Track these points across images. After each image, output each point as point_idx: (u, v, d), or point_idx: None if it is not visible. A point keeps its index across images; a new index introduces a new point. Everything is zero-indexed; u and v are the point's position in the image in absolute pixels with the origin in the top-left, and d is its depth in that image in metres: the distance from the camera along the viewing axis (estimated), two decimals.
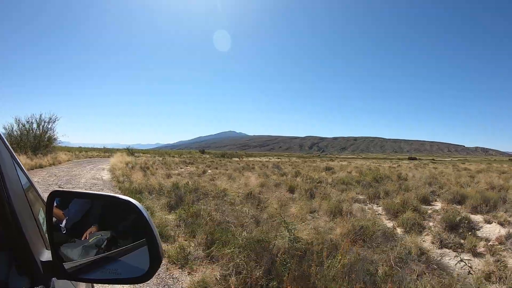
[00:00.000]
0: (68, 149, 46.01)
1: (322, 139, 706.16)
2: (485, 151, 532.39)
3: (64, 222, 1.11)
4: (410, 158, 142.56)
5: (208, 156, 56.69)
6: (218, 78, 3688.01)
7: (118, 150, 49.84)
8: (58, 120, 27.42)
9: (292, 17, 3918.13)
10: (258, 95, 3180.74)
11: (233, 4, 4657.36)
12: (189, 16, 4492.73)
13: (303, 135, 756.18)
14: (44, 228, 1.15)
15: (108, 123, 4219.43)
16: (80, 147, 52.13)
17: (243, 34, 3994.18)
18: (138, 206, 1.04)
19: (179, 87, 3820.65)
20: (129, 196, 1.16)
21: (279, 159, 57.54)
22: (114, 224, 1.14)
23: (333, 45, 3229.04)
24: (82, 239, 1.07)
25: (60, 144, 30.83)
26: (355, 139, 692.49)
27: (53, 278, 1.05)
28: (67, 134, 30.83)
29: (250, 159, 55.30)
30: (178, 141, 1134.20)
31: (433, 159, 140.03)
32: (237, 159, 52.55)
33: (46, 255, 1.05)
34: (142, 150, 56.31)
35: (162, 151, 61.65)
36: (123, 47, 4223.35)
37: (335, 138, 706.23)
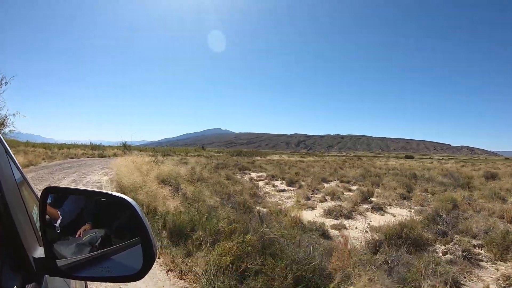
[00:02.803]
0: (44, 146, 34.71)
1: (308, 136, 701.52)
2: (471, 150, 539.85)
3: (58, 221, 1.08)
4: (407, 157, 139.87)
5: (221, 154, 47.29)
6: (203, 76, 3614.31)
7: (109, 147, 39.14)
8: (7, 84, 15.09)
9: (277, 14, 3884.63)
10: (243, 93, 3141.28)
11: (220, 2, 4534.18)
12: (174, 13, 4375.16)
13: (289, 133, 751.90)
14: (38, 224, 1.13)
15: (92, 120, 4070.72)
16: (64, 143, 38.91)
17: (230, 32, 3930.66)
18: (133, 204, 1.01)
19: (162, 85, 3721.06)
20: None
21: (303, 158, 48.39)
22: (108, 222, 1.13)
23: (318, 44, 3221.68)
24: (76, 236, 1.06)
25: (17, 138, 19.27)
26: (342, 137, 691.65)
27: (46, 275, 1.03)
28: (22, 113, 17.59)
29: (274, 158, 45.70)
30: (164, 138, 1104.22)
31: (430, 158, 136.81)
32: (258, 157, 42.98)
33: (39, 252, 1.04)
34: (135, 147, 45.46)
35: (166, 148, 50.80)
36: (106, 45, 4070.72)
37: (321, 136, 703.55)
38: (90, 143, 36.83)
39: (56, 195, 1.12)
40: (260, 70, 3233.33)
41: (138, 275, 1.02)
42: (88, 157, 29.79)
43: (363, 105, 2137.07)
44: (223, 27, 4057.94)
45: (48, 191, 1.08)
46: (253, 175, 18.20)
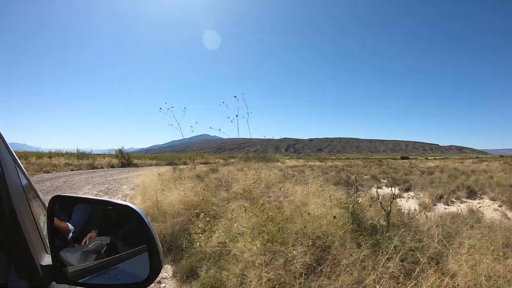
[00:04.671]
0: (21, 155, 27.20)
1: (297, 140, 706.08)
2: (460, 149, 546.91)
3: (70, 234, 1.10)
4: (403, 158, 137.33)
5: (232, 160, 40.85)
6: (190, 82, 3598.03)
7: (99, 155, 31.95)
8: None
9: (264, 18, 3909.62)
10: (230, 98, 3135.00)
11: (208, 4, 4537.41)
12: (162, 14, 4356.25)
13: (278, 137, 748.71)
14: (45, 232, 1.13)
15: (79, 128, 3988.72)
16: (45, 152, 30.74)
17: (220, 35, 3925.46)
18: (139, 212, 1.02)
19: (149, 91, 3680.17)
20: None
21: (322, 162, 42.41)
22: (115, 230, 1.15)
23: (304, 50, 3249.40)
24: (82, 244, 1.08)
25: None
26: (331, 140, 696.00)
27: (53, 282, 1.04)
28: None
29: (293, 163, 39.58)
30: (152, 145, 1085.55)
31: (426, 158, 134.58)
32: (279, 163, 36.64)
33: (46, 259, 1.05)
34: (133, 154, 37.93)
35: (168, 155, 43.51)
36: (87, 48, 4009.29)
37: (311, 140, 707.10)
38: (77, 150, 29.06)
39: (63, 203, 1.13)
40: (248, 75, 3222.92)
41: (144, 283, 1.02)
42: (72, 170, 21.45)
43: (349, 108, 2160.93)
44: (210, 29, 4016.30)
45: (56, 199, 1.09)
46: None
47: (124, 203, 1.06)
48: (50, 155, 28.25)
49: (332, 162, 46.53)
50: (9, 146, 1.03)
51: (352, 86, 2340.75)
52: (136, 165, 29.21)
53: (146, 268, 1.01)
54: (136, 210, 1.02)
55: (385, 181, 16.24)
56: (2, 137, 0.99)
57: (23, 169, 1.15)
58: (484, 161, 52.26)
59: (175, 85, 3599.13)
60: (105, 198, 1.20)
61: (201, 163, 33.36)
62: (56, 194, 1.11)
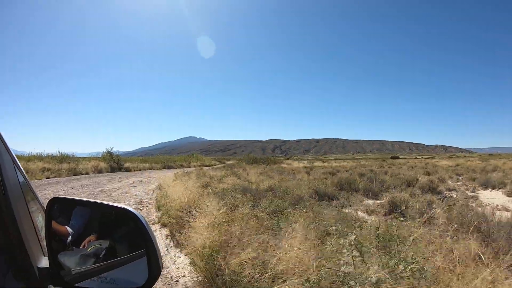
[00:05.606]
0: None
1: (284, 142, 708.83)
2: (445, 148, 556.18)
3: (69, 238, 1.09)
4: (392, 157, 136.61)
5: (231, 162, 37.81)
6: (175, 84, 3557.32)
7: (83, 159, 28.18)
8: None
9: (247, 18, 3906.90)
10: (216, 101, 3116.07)
11: (198, 6, 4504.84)
12: (148, 19, 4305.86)
13: (264, 139, 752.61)
14: (43, 234, 1.12)
15: (65, 131, 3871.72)
16: (30, 154, 26.06)
17: (205, 38, 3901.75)
18: (138, 216, 1.01)
19: (135, 93, 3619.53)
20: None
21: (327, 163, 39.71)
22: (114, 234, 1.13)
23: (289, 49, 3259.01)
24: (81, 247, 1.07)
25: None
26: (317, 141, 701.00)
27: (50, 286, 1.04)
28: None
29: (296, 165, 36.74)
30: (138, 148, 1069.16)
31: (415, 157, 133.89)
32: (286, 165, 33.87)
33: (44, 262, 1.04)
34: (124, 158, 33.97)
35: (159, 158, 39.71)
36: (68, 52, 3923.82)
37: (297, 141, 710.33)
38: (59, 152, 24.50)
39: (61, 205, 1.12)
40: (232, 78, 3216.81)
41: None
42: (48, 178, 16.77)
43: (335, 108, 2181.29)
44: (199, 32, 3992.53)
45: (54, 201, 1.09)
46: None
47: (123, 206, 1.03)
48: (29, 158, 23.57)
49: (336, 162, 43.89)
50: (8, 146, 1.02)
51: (338, 86, 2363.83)
52: (128, 169, 25.86)
53: (144, 273, 0.98)
54: (136, 213, 1.00)
55: (450, 182, 13.77)
56: (1, 136, 0.98)
57: (22, 169, 1.13)
58: (488, 159, 50.78)
59: (160, 87, 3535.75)
60: (105, 201, 1.11)
61: (199, 166, 30.22)
62: (55, 196, 1.11)
